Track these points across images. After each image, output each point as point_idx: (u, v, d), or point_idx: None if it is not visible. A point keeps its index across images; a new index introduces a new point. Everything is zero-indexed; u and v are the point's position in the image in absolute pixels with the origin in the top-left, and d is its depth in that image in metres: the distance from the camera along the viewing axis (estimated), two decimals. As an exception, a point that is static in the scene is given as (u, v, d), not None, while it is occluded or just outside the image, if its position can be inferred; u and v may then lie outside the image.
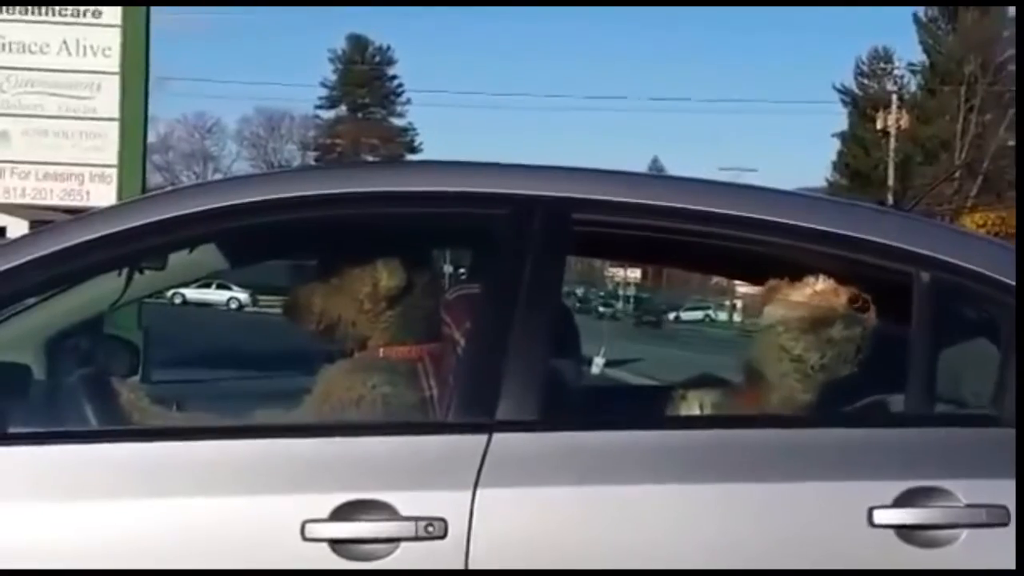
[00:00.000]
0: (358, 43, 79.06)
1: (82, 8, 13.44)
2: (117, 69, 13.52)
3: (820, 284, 3.17)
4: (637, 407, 3.78)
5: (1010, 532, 2.77)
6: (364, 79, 79.03)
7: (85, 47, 13.53)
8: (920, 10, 60.59)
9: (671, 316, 59.11)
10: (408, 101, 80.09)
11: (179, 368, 12.79)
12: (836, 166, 65.77)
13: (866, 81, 64.92)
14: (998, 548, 2.77)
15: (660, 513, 2.77)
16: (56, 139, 13.51)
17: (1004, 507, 2.78)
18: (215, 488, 2.73)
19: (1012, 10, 55.56)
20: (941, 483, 2.80)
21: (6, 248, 2.94)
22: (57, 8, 13.42)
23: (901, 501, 2.78)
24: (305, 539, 2.68)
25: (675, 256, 4.25)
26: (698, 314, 58.91)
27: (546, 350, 2.92)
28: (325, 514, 2.69)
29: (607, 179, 3.11)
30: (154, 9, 13.90)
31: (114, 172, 13.56)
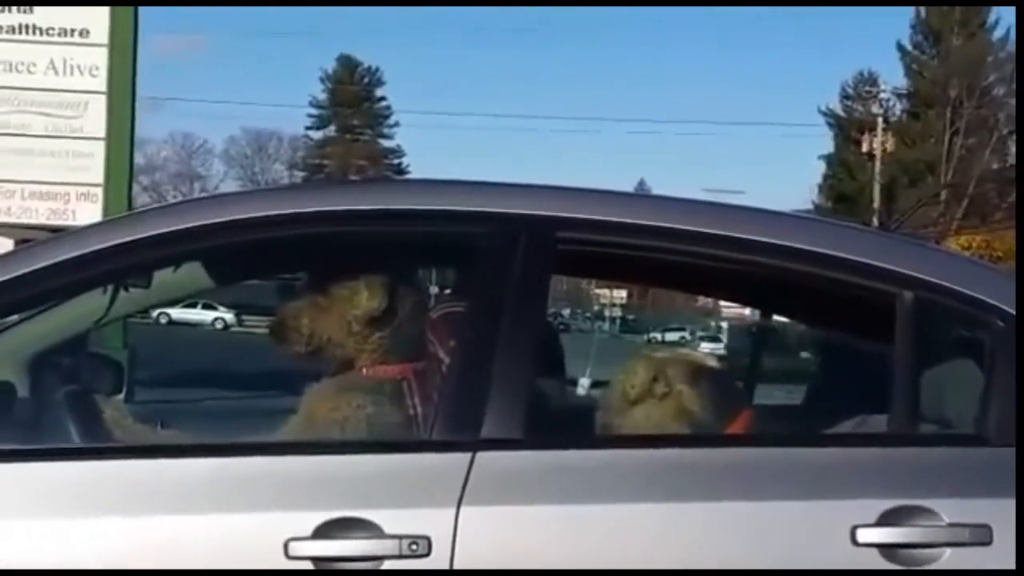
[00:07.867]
0: (348, 64, 79.10)
1: (69, 27, 13.45)
2: (104, 88, 13.52)
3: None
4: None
5: (992, 551, 2.78)
6: (354, 100, 79.02)
7: (72, 66, 13.52)
8: (904, 37, 60.78)
9: (646, 338, 58.91)
10: (396, 124, 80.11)
11: (164, 387, 12.78)
12: (822, 189, 65.81)
13: (851, 104, 65.02)
14: (981, 567, 2.78)
15: (645, 532, 2.77)
16: (42, 158, 13.50)
17: (987, 526, 2.78)
18: (198, 506, 2.72)
19: (996, 35, 56.00)
20: (924, 502, 2.80)
21: None
22: (45, 27, 13.41)
23: (884, 520, 2.78)
24: (288, 557, 2.67)
25: (660, 276, 4.25)
26: (675, 335, 58.83)
27: (531, 369, 2.92)
28: (309, 532, 2.69)
29: (592, 198, 3.11)
30: (142, 29, 13.91)
31: (100, 191, 13.55)
